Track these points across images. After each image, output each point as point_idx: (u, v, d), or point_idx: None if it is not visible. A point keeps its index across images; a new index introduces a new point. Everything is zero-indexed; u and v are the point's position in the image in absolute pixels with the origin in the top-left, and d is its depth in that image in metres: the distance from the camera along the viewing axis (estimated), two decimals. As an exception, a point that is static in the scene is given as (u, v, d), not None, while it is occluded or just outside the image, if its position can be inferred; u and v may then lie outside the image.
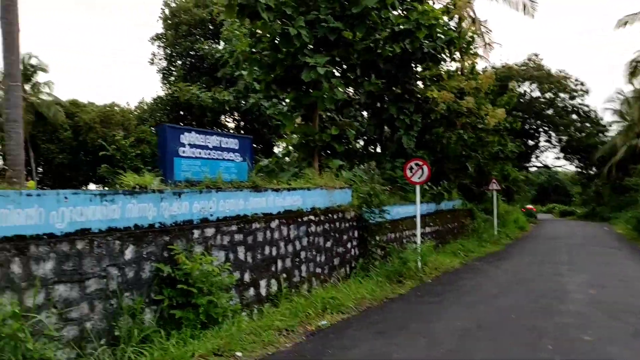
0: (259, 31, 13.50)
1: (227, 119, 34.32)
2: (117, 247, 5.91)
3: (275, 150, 31.03)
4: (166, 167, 7.53)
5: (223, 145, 8.66)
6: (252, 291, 8.14)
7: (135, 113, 40.23)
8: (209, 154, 8.33)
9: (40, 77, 38.02)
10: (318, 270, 10.17)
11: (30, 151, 33.92)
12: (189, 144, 7.95)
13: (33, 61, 36.52)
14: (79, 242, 5.45)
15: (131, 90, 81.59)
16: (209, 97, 29.38)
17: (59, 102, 37.80)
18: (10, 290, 4.73)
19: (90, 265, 5.56)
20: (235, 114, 32.96)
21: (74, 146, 37.77)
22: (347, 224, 11.46)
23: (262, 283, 8.42)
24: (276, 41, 13.07)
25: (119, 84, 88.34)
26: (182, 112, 32.26)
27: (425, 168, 13.22)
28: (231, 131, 32.69)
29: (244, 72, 18.44)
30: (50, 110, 35.66)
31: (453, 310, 8.91)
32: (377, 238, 12.54)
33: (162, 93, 36.02)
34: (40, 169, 38.81)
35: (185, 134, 7.99)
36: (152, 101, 36.36)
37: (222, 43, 31.88)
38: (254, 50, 13.85)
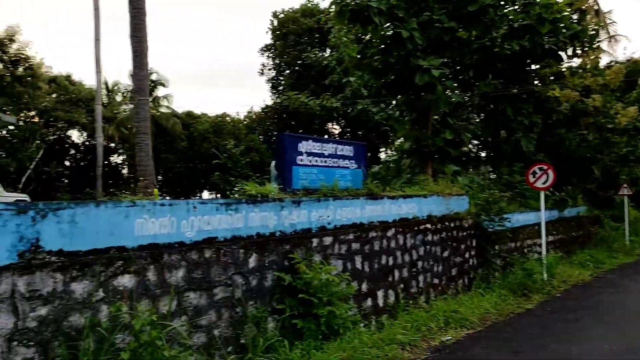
0: (366, 37, 13.34)
1: (334, 126, 34.59)
2: (242, 255, 5.96)
3: (382, 156, 30.67)
4: (284, 176, 7.53)
5: (338, 153, 8.56)
6: (369, 302, 7.92)
7: (245, 122, 41.84)
8: (325, 162, 8.25)
9: (160, 91, 40.71)
10: (435, 280, 9.73)
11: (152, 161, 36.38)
12: (306, 152, 7.90)
13: (153, 76, 39.28)
14: (206, 251, 5.55)
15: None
16: (317, 104, 29.79)
17: (176, 114, 40.26)
18: (146, 298, 4.88)
19: (217, 274, 5.64)
20: (342, 120, 33.13)
21: (189, 155, 40.04)
22: (464, 233, 10.91)
23: (379, 293, 8.17)
24: (385, 45, 12.81)
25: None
26: (289, 121, 33.02)
27: (551, 172, 12.34)
28: (337, 137, 32.89)
29: (352, 79, 18.39)
30: (169, 122, 38.01)
31: (595, 330, 8.06)
32: (497, 247, 11.92)
33: (270, 102, 37.18)
34: (159, 178, 41.56)
35: (303, 142, 7.96)
36: (260, 110, 37.63)
37: (328, 50, 32.25)
38: (363, 55, 13.71)
